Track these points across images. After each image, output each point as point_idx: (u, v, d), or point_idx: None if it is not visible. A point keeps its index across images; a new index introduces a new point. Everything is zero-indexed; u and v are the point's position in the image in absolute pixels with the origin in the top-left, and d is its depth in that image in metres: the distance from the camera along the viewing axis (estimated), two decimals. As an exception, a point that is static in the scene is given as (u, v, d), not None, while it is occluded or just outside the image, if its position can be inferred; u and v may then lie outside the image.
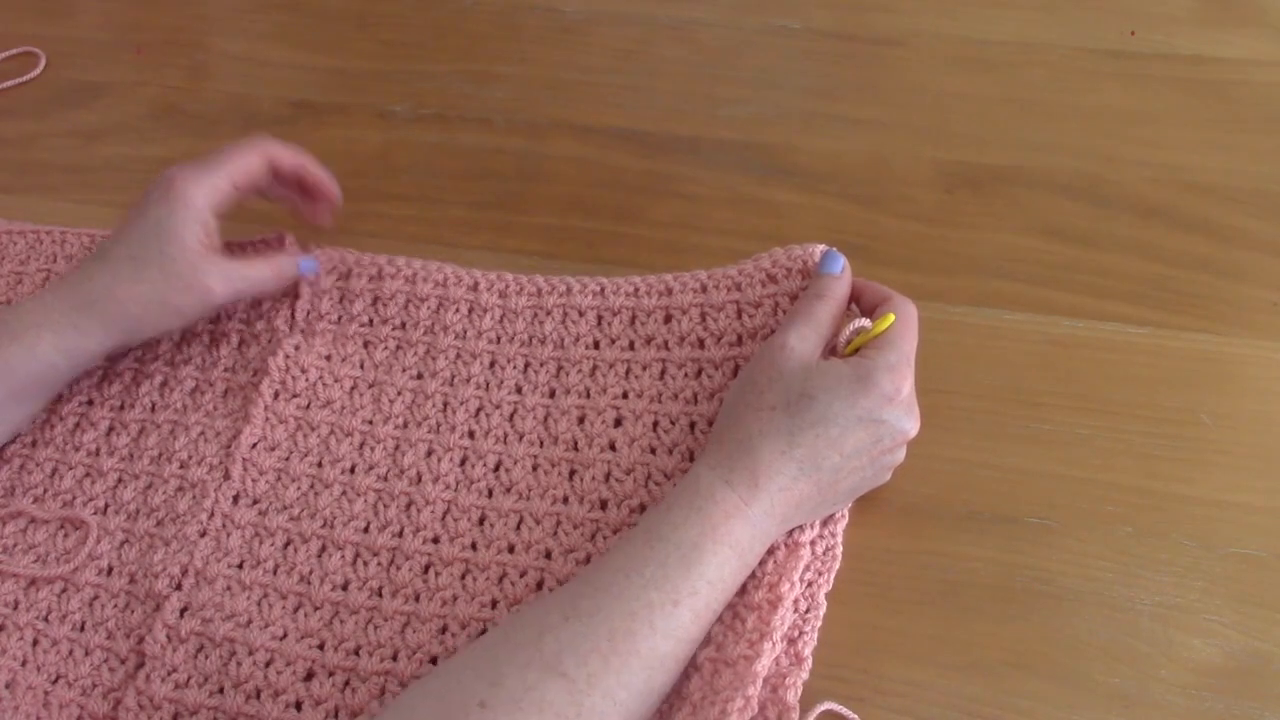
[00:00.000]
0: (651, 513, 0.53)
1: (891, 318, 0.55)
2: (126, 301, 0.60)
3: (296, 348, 0.65)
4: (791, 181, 0.75)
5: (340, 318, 0.66)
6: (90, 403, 0.65)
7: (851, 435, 0.53)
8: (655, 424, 0.60)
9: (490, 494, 0.59)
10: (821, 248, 0.60)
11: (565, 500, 0.59)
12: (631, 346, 0.63)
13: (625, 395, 0.62)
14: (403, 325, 0.66)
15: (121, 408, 0.65)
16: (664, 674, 0.49)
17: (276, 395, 0.63)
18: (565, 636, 0.47)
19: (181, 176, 0.62)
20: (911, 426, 0.55)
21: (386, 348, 0.65)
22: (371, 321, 0.66)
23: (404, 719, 0.46)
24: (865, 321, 0.56)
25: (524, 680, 0.45)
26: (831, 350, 0.57)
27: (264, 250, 0.69)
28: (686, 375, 0.61)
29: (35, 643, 0.56)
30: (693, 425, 0.60)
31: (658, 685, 0.48)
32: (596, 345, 0.64)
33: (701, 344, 0.62)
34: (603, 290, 0.65)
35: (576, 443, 0.61)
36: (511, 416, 0.62)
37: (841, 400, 0.52)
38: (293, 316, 0.67)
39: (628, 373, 0.63)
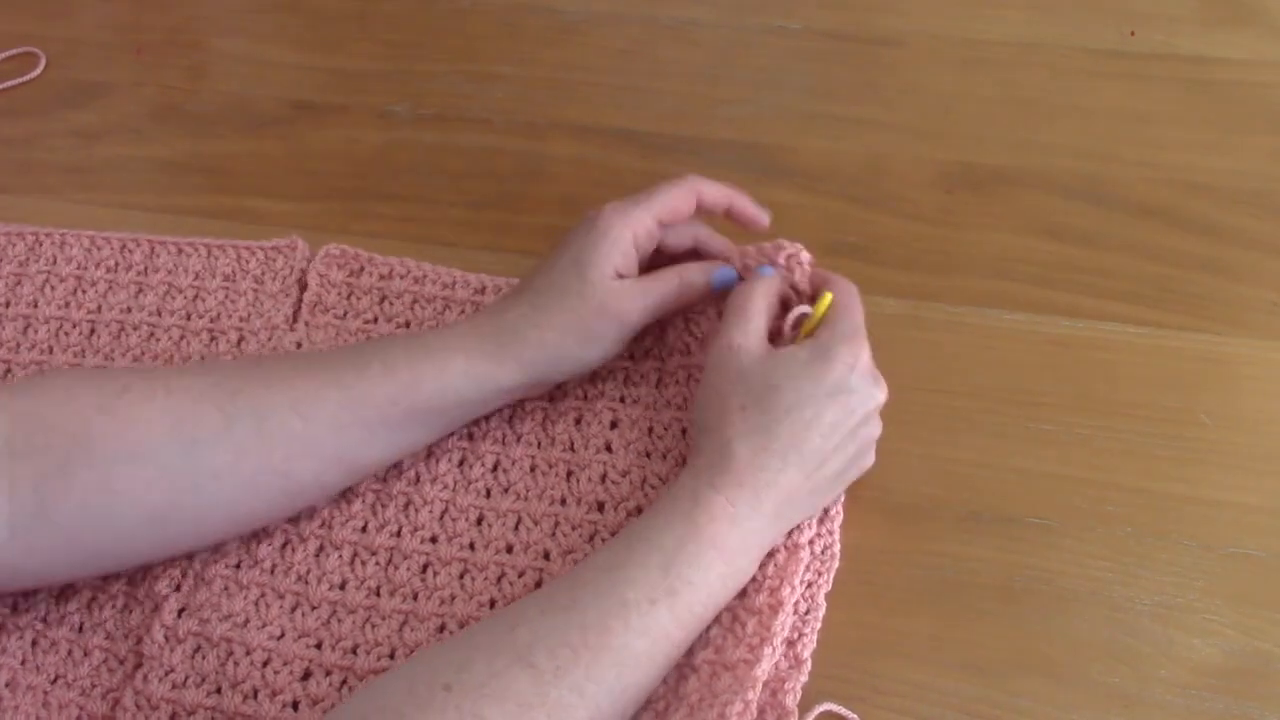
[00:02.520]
0: (639, 517, 0.53)
1: (829, 296, 0.56)
2: (545, 329, 0.57)
3: (298, 345, 0.65)
4: (791, 181, 0.75)
5: (345, 313, 0.67)
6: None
7: (825, 413, 0.53)
8: (650, 429, 0.61)
9: (488, 494, 0.59)
10: (788, 248, 0.60)
11: (563, 501, 0.59)
12: (631, 357, 0.63)
13: (622, 400, 0.62)
14: (406, 324, 0.66)
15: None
16: (639, 673, 0.48)
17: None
18: (538, 629, 0.47)
19: (607, 210, 0.59)
20: (880, 393, 0.55)
21: (387, 347, 0.65)
22: (376, 319, 0.67)
23: (372, 698, 0.46)
24: (804, 308, 0.57)
25: (491, 667, 0.46)
26: (781, 344, 0.57)
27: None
28: (678, 382, 0.62)
29: (34, 643, 0.56)
30: (684, 431, 0.60)
31: (632, 684, 0.48)
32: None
33: (689, 350, 0.62)
34: None
35: (573, 444, 0.61)
36: (510, 418, 0.62)
37: (807, 381, 0.53)
38: (298, 310, 0.67)
39: (625, 379, 0.63)
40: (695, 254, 0.63)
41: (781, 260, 0.59)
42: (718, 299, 0.61)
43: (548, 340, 0.57)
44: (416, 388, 0.56)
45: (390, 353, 0.56)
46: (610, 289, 0.58)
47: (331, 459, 0.56)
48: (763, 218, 0.63)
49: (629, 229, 0.59)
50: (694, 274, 0.60)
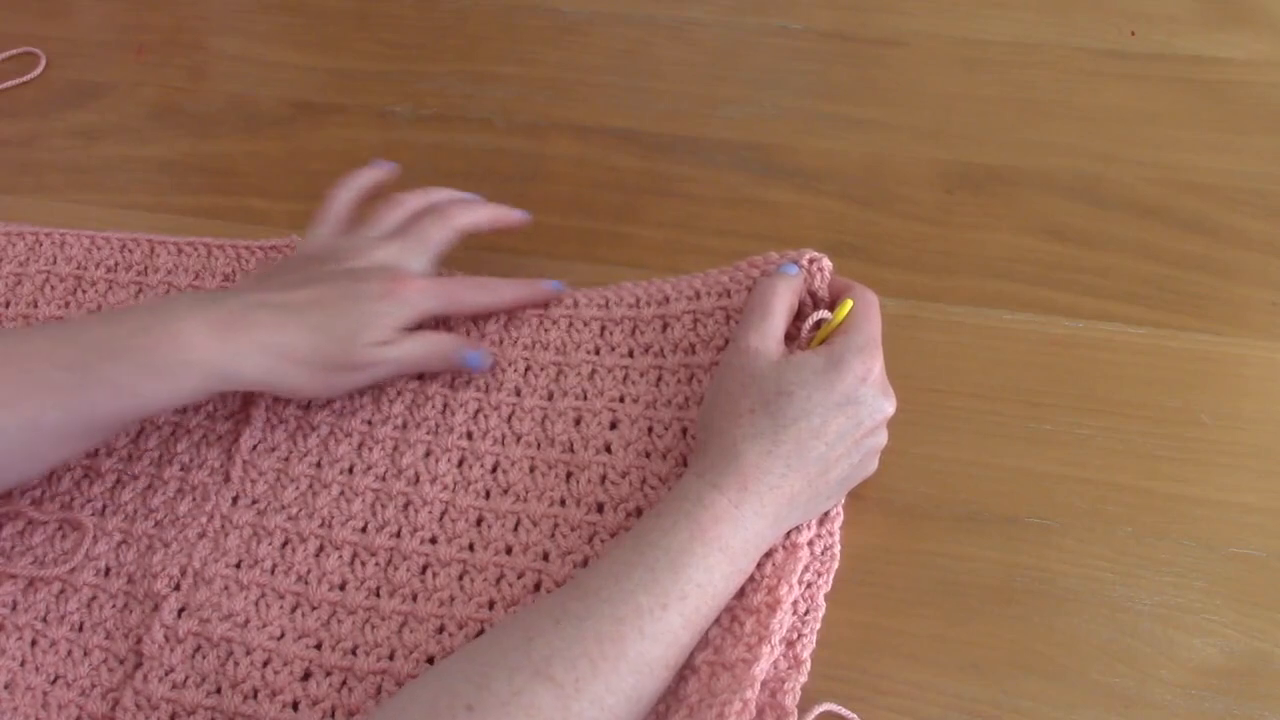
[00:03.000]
0: (643, 519, 0.53)
1: (850, 303, 0.56)
2: (295, 363, 0.57)
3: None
4: (791, 181, 0.75)
5: None
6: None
7: (832, 422, 0.53)
8: (650, 429, 0.60)
9: (488, 495, 0.59)
10: (810, 253, 0.60)
11: (562, 503, 0.59)
12: (630, 354, 0.63)
13: (621, 399, 0.62)
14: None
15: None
16: (653, 679, 0.48)
17: (277, 396, 0.63)
18: (554, 641, 0.47)
19: (413, 289, 0.60)
20: (888, 405, 0.55)
21: (386, 348, 0.65)
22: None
23: None
24: (824, 313, 0.57)
25: (512, 684, 0.45)
26: (796, 347, 0.57)
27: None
28: (679, 381, 0.61)
29: (34, 643, 0.56)
30: (684, 430, 0.60)
31: (646, 691, 0.48)
32: (597, 351, 0.64)
33: (693, 349, 0.62)
34: (607, 303, 0.65)
35: (573, 445, 0.60)
36: (510, 418, 0.62)
37: (818, 390, 0.53)
38: None
39: (625, 378, 0.62)
40: None
41: (803, 264, 0.59)
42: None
43: (289, 374, 0.57)
44: (145, 408, 0.56)
45: (121, 369, 0.54)
46: (370, 354, 0.59)
47: (53, 460, 0.57)
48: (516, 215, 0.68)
49: (417, 313, 0.60)
50: (449, 347, 0.62)
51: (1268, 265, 0.67)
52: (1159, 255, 0.68)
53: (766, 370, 0.54)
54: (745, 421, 0.53)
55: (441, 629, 0.55)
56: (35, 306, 0.69)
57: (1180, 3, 0.84)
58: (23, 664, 0.56)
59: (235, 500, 0.60)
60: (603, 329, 0.64)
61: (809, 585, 0.54)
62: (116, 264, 0.71)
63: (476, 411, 0.62)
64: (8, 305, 0.69)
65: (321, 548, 0.58)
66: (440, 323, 0.65)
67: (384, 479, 0.60)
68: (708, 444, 0.54)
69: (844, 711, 0.51)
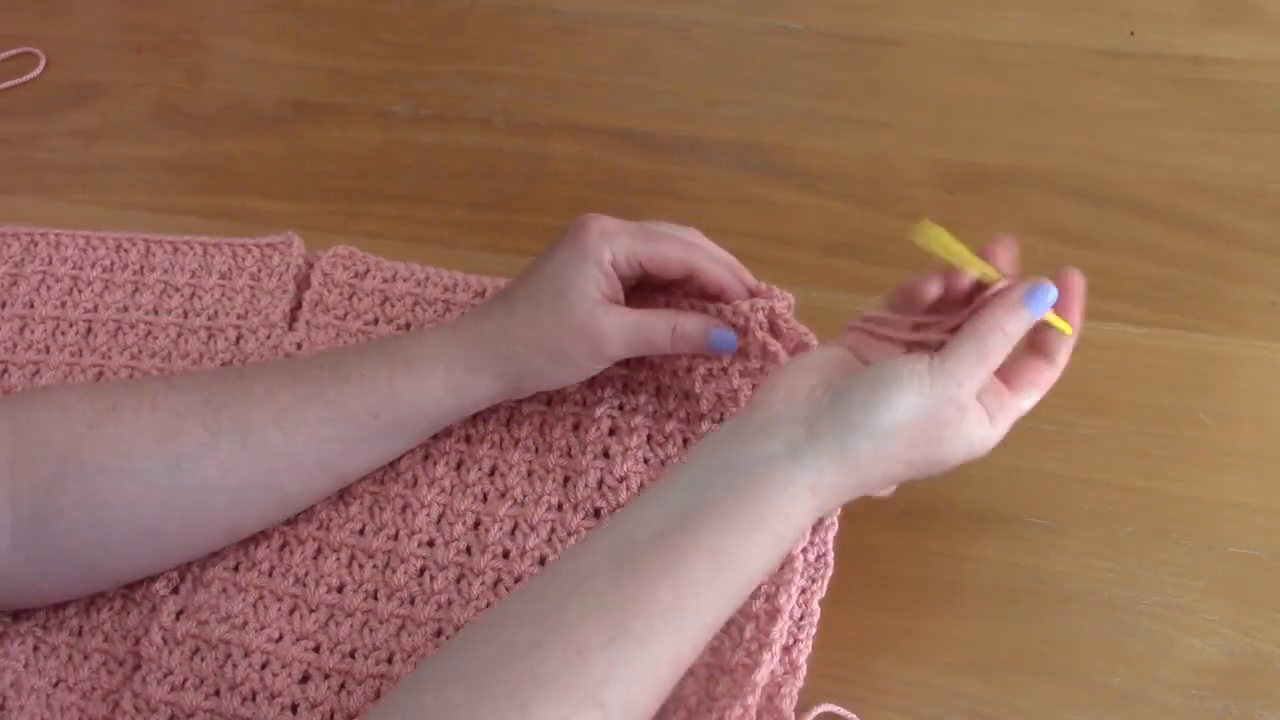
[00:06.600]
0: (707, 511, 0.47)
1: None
2: (517, 343, 0.56)
3: (298, 346, 0.65)
4: (791, 181, 0.75)
5: (346, 314, 0.67)
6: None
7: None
8: (649, 437, 0.60)
9: (485, 499, 0.59)
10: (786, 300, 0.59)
11: (560, 507, 0.59)
12: (628, 364, 0.63)
13: (621, 408, 0.62)
14: (407, 326, 0.66)
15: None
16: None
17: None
18: (606, 662, 0.42)
19: (595, 225, 0.57)
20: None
21: (386, 349, 0.65)
22: (377, 320, 0.67)
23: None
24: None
25: (559, 710, 0.41)
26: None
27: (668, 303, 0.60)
28: (676, 397, 0.61)
29: (35, 649, 0.56)
30: (685, 441, 0.59)
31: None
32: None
33: (690, 369, 0.61)
34: None
35: (570, 449, 0.60)
36: (507, 422, 0.62)
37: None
38: (296, 307, 0.68)
39: (624, 386, 0.62)
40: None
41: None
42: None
43: (518, 354, 0.57)
44: (396, 400, 0.56)
45: (370, 363, 0.56)
46: (589, 312, 0.56)
47: (315, 469, 0.57)
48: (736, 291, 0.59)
49: (608, 250, 0.56)
50: (691, 326, 0.57)
51: (1268, 265, 0.67)
52: (1159, 255, 0.68)
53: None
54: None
55: (439, 632, 0.55)
56: (31, 307, 0.69)
57: (1180, 3, 0.84)
58: (25, 666, 0.55)
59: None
60: None
61: (803, 591, 0.54)
62: (112, 263, 0.71)
63: (474, 415, 0.62)
64: (4, 306, 0.69)
65: (319, 550, 0.58)
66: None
67: (381, 481, 0.60)
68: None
69: (843, 712, 0.51)
